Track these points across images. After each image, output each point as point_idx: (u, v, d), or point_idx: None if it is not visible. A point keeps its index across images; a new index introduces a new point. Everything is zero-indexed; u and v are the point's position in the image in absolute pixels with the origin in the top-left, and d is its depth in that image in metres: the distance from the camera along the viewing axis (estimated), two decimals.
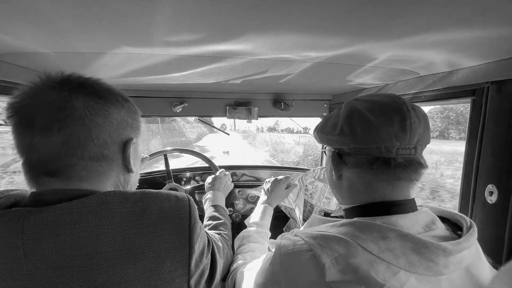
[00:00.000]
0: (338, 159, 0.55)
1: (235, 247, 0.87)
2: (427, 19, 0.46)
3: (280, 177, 1.08)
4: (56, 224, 0.41)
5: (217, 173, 1.15)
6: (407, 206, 0.50)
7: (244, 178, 1.73)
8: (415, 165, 0.49)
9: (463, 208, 0.79)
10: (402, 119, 0.48)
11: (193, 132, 36.38)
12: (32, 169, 0.45)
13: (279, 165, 1.96)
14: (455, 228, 0.52)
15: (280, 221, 1.75)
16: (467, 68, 0.74)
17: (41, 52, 0.69)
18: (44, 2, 0.42)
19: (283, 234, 0.56)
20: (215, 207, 0.96)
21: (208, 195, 1.04)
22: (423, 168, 0.50)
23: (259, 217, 0.95)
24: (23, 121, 0.43)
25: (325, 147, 0.62)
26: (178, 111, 1.34)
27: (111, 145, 0.48)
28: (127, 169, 0.52)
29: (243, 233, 0.91)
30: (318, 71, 0.91)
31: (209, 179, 1.14)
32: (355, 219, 0.51)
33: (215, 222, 0.86)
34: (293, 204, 1.15)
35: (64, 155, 0.44)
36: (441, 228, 0.50)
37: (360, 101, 0.53)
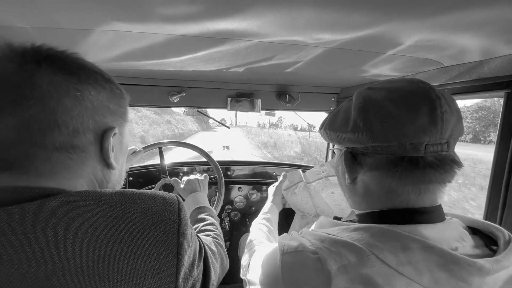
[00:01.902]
0: (352, 160, 0.47)
1: (242, 244, 0.92)
2: None
3: (279, 178, 1.13)
4: (6, 232, 0.31)
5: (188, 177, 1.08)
6: (434, 215, 0.42)
7: (244, 175, 1.65)
8: (449, 164, 0.41)
9: (490, 215, 0.71)
10: (432, 109, 0.39)
11: (180, 128, 29.26)
12: None
13: (279, 162, 1.88)
14: (488, 241, 0.44)
15: (283, 218, 1.68)
16: (501, 57, 0.66)
17: (16, 27, 0.60)
18: None
19: (293, 233, 0.51)
20: (199, 209, 0.88)
21: (188, 200, 0.94)
22: (459, 167, 0.42)
23: (267, 209, 1.01)
24: None
25: (333, 146, 0.54)
26: (175, 101, 1.25)
27: (83, 133, 0.39)
28: (106, 164, 0.44)
29: (253, 224, 0.94)
30: (330, 60, 0.82)
31: (178, 184, 1.06)
32: (370, 224, 0.44)
33: (202, 224, 0.79)
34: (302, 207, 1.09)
35: (20, 142, 0.35)
36: (469, 245, 0.42)
37: (374, 89, 0.44)
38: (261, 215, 0.98)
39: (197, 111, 1.39)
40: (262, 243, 0.78)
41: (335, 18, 0.50)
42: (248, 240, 0.85)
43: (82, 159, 0.40)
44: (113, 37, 0.67)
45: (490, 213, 0.71)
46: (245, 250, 0.81)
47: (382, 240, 0.39)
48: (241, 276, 0.77)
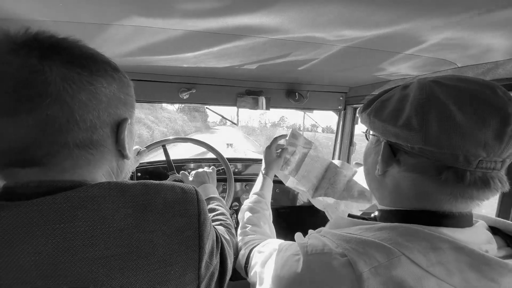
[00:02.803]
0: (391, 154, 0.44)
1: (240, 220, 0.87)
2: None
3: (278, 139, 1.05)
4: (36, 223, 0.32)
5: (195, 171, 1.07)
6: (463, 220, 0.41)
7: (250, 173, 1.65)
8: (496, 184, 0.37)
9: (502, 212, 0.71)
10: (503, 124, 0.35)
11: (172, 127, 24.40)
12: (7, 160, 0.36)
13: None
14: (510, 241, 0.44)
15: (282, 218, 1.70)
16: None
17: (37, 20, 0.60)
18: None
19: (310, 231, 0.49)
20: (209, 199, 0.89)
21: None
22: (505, 188, 0.38)
23: (258, 187, 0.95)
24: None
25: (369, 131, 0.51)
26: (185, 97, 1.26)
27: (100, 128, 0.39)
28: (122, 155, 0.44)
29: (245, 205, 0.90)
30: (344, 58, 0.82)
31: (186, 178, 1.06)
32: (396, 223, 0.42)
33: (213, 214, 0.79)
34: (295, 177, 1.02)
35: (41, 142, 0.35)
36: (495, 246, 0.42)
37: (443, 85, 0.39)
38: (253, 195, 0.92)
39: (206, 107, 1.39)
40: (261, 239, 0.74)
41: (358, 16, 0.50)
42: (240, 228, 0.81)
43: (102, 153, 0.40)
44: (131, 31, 0.67)
45: (502, 209, 0.71)
46: (240, 241, 0.77)
47: (411, 239, 0.38)
48: (236, 267, 0.74)
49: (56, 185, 0.35)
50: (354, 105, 1.44)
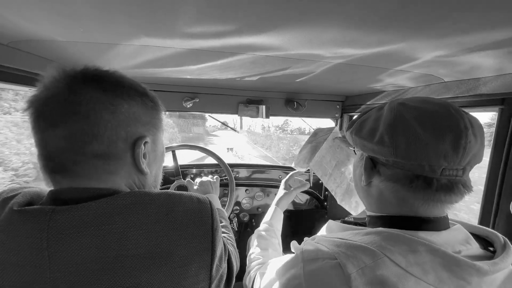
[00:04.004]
0: (372, 167, 0.51)
1: (250, 245, 0.89)
2: (486, 16, 0.41)
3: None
4: (82, 225, 0.39)
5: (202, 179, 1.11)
6: (439, 224, 0.47)
7: (251, 177, 1.71)
8: (459, 189, 0.44)
9: (483, 220, 0.77)
10: (457, 138, 0.41)
11: (172, 133, 23.96)
12: (44, 165, 0.43)
13: (285, 165, 1.94)
14: (485, 244, 0.50)
15: (284, 221, 1.73)
16: (496, 76, 0.72)
17: (57, 41, 0.67)
18: None
19: (305, 239, 0.54)
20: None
21: None
22: (468, 192, 0.45)
23: (269, 217, 0.97)
24: (36, 114, 0.42)
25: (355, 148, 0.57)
26: (188, 106, 1.32)
27: (116, 142, 0.44)
28: (138, 169, 0.48)
29: (256, 232, 0.92)
30: (341, 72, 0.88)
31: (191, 185, 1.10)
32: (380, 228, 0.48)
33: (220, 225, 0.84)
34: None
35: (69, 150, 0.41)
36: (475, 247, 0.47)
37: (407, 106, 0.46)
38: (263, 224, 0.95)
39: (209, 115, 1.45)
40: (267, 262, 0.75)
41: (352, 37, 0.55)
42: (249, 255, 0.83)
43: (118, 164, 0.46)
44: (139, 48, 0.72)
45: (484, 217, 0.77)
46: (248, 266, 0.79)
47: (393, 243, 0.43)
48: None
49: (93, 192, 0.42)
50: (351, 113, 1.50)
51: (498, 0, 0.37)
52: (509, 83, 0.68)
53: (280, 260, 0.57)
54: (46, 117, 0.41)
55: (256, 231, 0.94)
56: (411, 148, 0.43)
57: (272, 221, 0.96)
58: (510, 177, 0.70)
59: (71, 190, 0.42)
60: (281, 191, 1.02)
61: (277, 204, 1.01)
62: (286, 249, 0.66)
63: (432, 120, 0.43)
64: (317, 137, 0.97)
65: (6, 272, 0.37)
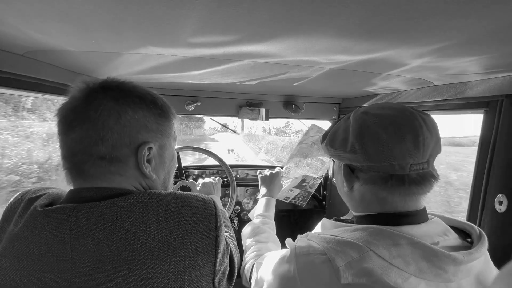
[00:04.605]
0: (350, 173, 0.55)
1: (245, 239, 0.90)
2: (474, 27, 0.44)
3: (276, 169, 1.15)
4: (101, 220, 0.43)
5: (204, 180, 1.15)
6: (417, 217, 0.51)
7: (251, 178, 1.75)
8: (428, 179, 0.50)
9: (471, 216, 0.81)
10: (415, 136, 0.47)
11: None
12: (63, 165, 0.49)
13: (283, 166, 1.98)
14: (463, 236, 0.54)
15: (283, 221, 1.78)
16: (481, 81, 0.76)
17: (69, 51, 0.71)
18: (80, 4, 0.42)
19: (299, 236, 0.59)
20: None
21: None
22: (436, 180, 0.51)
23: (263, 209, 0.99)
24: (60, 119, 0.48)
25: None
26: (190, 109, 1.36)
27: (120, 147, 0.48)
28: (142, 173, 0.51)
29: (250, 225, 0.93)
30: (337, 76, 0.92)
31: (194, 186, 1.14)
32: (367, 225, 0.52)
33: None
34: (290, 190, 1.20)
35: (80, 152, 0.46)
36: (453, 238, 0.51)
37: (369, 115, 0.52)
38: (259, 217, 0.97)
39: (210, 118, 1.50)
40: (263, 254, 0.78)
41: (345, 46, 0.58)
42: (247, 248, 0.85)
43: (122, 167, 0.49)
44: (144, 56, 0.76)
45: (472, 213, 0.81)
46: (247, 257, 0.82)
47: (378, 238, 0.47)
48: (243, 283, 0.80)
49: (108, 191, 0.47)
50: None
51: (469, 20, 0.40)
52: (492, 87, 0.73)
53: (276, 254, 0.61)
54: (67, 122, 0.47)
55: (252, 222, 0.95)
56: (380, 152, 0.48)
57: (268, 213, 0.99)
58: (494, 176, 0.74)
59: (89, 190, 0.47)
60: (272, 182, 1.08)
61: (271, 195, 1.05)
62: (284, 247, 0.69)
63: (392, 124, 0.49)
64: (308, 136, 1.14)
65: (31, 263, 0.41)
